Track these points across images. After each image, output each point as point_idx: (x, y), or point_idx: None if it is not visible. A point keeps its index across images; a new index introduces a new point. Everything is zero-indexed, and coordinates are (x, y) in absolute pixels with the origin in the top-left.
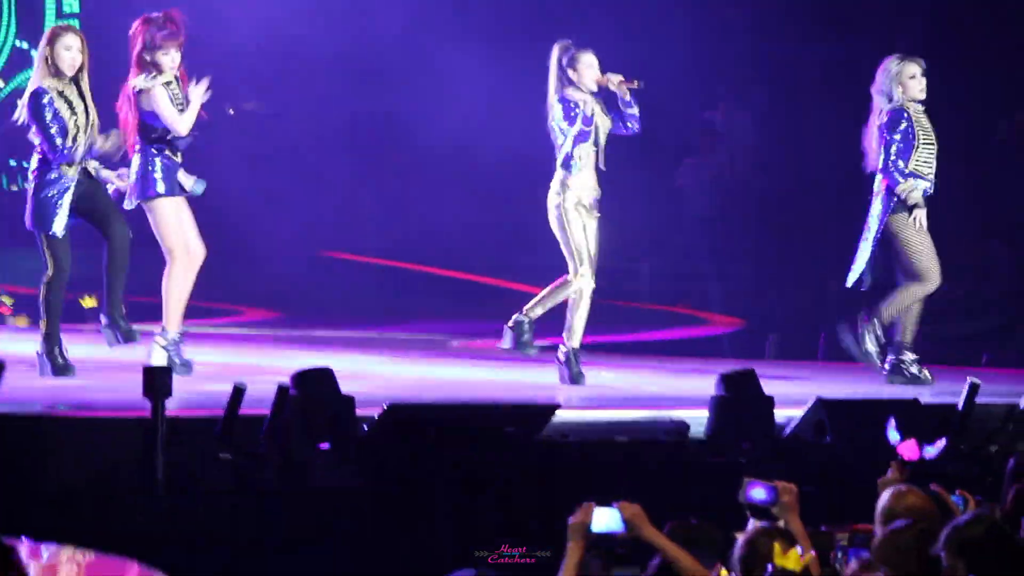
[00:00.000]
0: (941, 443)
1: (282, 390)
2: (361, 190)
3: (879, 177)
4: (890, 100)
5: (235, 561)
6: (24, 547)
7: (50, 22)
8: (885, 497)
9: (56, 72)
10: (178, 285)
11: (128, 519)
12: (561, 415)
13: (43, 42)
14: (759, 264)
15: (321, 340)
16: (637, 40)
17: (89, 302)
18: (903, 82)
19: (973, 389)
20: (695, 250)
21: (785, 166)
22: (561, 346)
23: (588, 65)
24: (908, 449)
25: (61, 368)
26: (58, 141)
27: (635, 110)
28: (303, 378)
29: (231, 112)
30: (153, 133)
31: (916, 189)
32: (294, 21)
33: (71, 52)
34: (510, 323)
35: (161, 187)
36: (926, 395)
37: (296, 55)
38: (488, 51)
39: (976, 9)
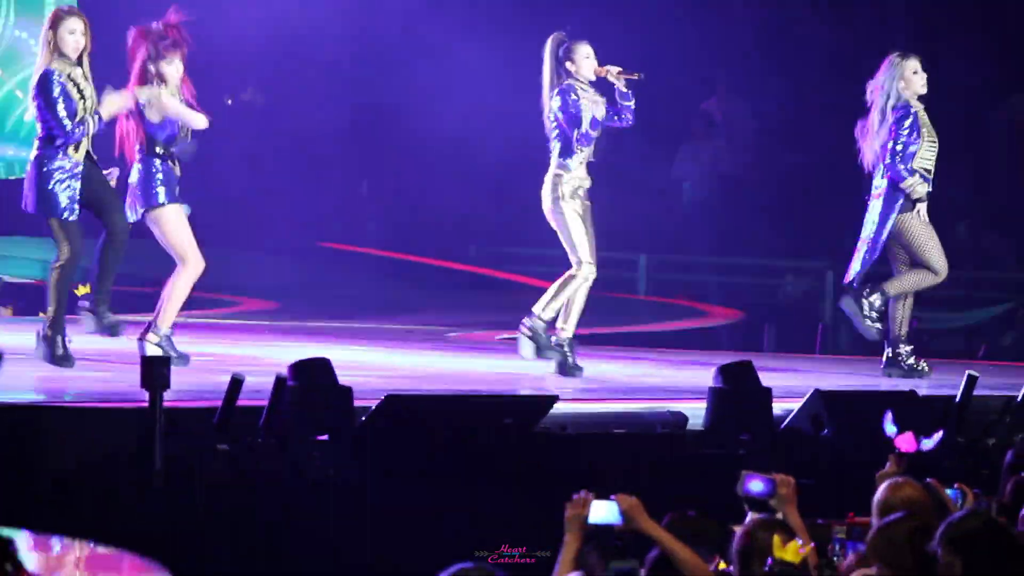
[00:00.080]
0: (938, 435)
1: (280, 381)
2: (359, 181)
3: (879, 176)
4: (890, 97)
5: (233, 552)
6: (22, 539)
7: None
8: (882, 489)
9: (61, 56)
10: (183, 289)
11: (126, 510)
12: (559, 407)
13: (46, 26)
14: (758, 255)
15: (319, 331)
16: (636, 30)
17: (83, 290)
18: (907, 77)
19: (971, 381)
20: (693, 242)
21: (784, 157)
22: (547, 330)
23: (585, 56)
24: (905, 442)
25: (60, 359)
26: (68, 123)
27: (631, 103)
28: (301, 369)
29: (229, 103)
30: (156, 145)
31: (921, 184)
32: (293, 14)
33: (75, 35)
34: (526, 331)
35: (164, 196)
36: (924, 387)
37: (295, 47)
38: (487, 42)
39: None
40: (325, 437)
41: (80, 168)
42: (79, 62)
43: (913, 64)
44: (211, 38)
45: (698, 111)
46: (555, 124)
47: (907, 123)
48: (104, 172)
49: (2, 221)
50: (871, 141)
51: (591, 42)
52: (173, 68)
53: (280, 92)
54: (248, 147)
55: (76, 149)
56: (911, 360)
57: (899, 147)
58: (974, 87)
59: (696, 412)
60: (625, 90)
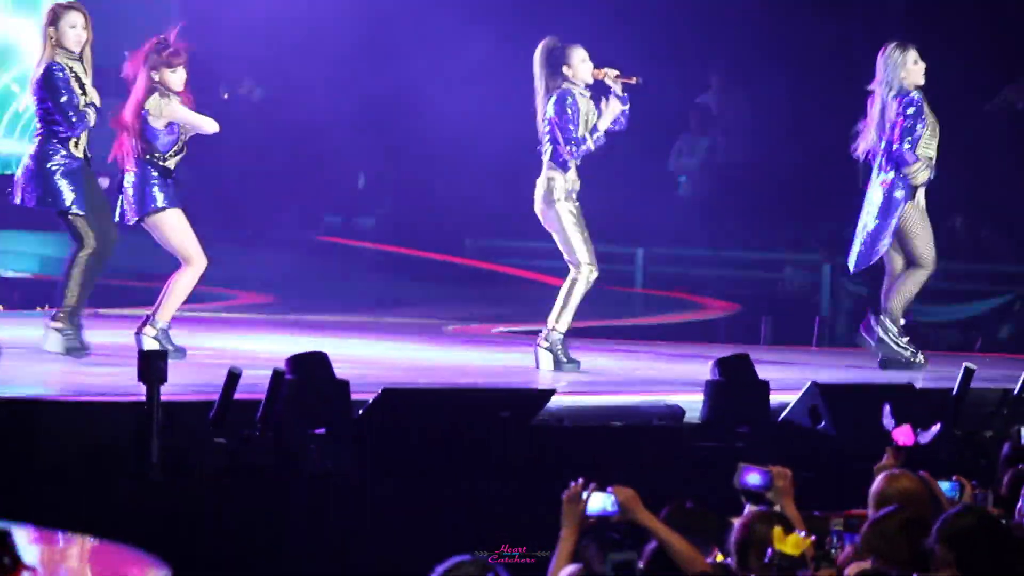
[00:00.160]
0: (936, 428)
1: (277, 374)
2: (356, 174)
3: (879, 168)
4: (892, 88)
5: (230, 545)
6: (19, 531)
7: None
8: (878, 481)
9: (63, 50)
10: (185, 287)
11: (123, 504)
12: (557, 400)
13: (46, 21)
14: (755, 249)
15: (316, 324)
16: (634, 22)
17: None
18: (908, 67)
19: (968, 374)
20: (691, 235)
21: (782, 150)
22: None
23: (582, 59)
24: (903, 434)
25: (75, 350)
26: (72, 116)
27: (626, 107)
28: (298, 362)
29: (225, 96)
30: (152, 152)
31: (924, 171)
32: (291, 9)
33: (76, 30)
34: (543, 344)
35: (161, 201)
36: (921, 380)
37: (292, 41)
38: (486, 36)
39: None
40: (322, 430)
41: (81, 162)
42: (80, 56)
43: (913, 54)
44: (208, 32)
45: (695, 104)
46: (548, 128)
47: (912, 110)
48: (99, 179)
49: None
50: (869, 132)
51: (591, 39)
52: (177, 76)
53: (277, 86)
54: (244, 141)
55: (76, 145)
56: (908, 352)
57: (906, 133)
58: (969, 78)
59: (693, 405)
60: (622, 94)
